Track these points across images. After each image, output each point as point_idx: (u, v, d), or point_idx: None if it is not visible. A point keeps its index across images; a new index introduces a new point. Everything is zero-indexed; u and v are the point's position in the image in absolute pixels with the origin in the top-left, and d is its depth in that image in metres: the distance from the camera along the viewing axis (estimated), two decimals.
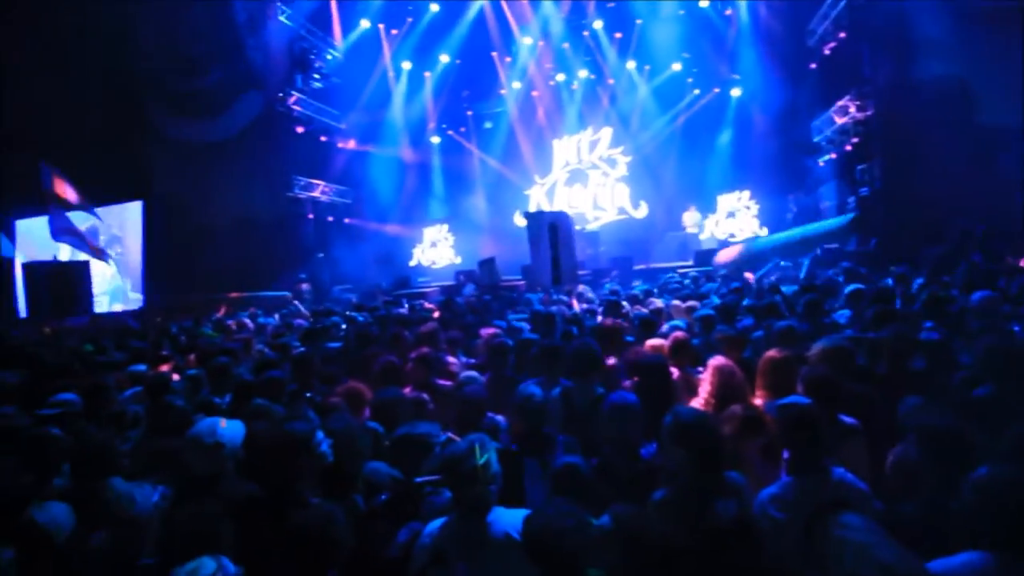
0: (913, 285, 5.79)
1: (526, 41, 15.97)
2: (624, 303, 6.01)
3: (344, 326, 6.43)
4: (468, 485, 1.86)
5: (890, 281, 6.05)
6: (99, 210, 12.34)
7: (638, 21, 15.15)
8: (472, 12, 15.43)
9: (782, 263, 9.63)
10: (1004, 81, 9.68)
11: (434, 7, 15.33)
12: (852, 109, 11.49)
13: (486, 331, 4.92)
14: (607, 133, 16.81)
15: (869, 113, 11.13)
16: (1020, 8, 9.26)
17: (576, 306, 6.72)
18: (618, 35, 15.61)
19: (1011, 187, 9.28)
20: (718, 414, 2.63)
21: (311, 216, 15.24)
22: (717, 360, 3.10)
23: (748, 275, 8.38)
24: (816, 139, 13.52)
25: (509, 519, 1.89)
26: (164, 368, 4.62)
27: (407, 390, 3.43)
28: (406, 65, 16.60)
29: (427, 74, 16.91)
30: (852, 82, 11.54)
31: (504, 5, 15.28)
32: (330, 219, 16.26)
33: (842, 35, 11.93)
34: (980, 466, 1.65)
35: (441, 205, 18.31)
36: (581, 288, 8.49)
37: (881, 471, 2.20)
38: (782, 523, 1.95)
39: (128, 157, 14.27)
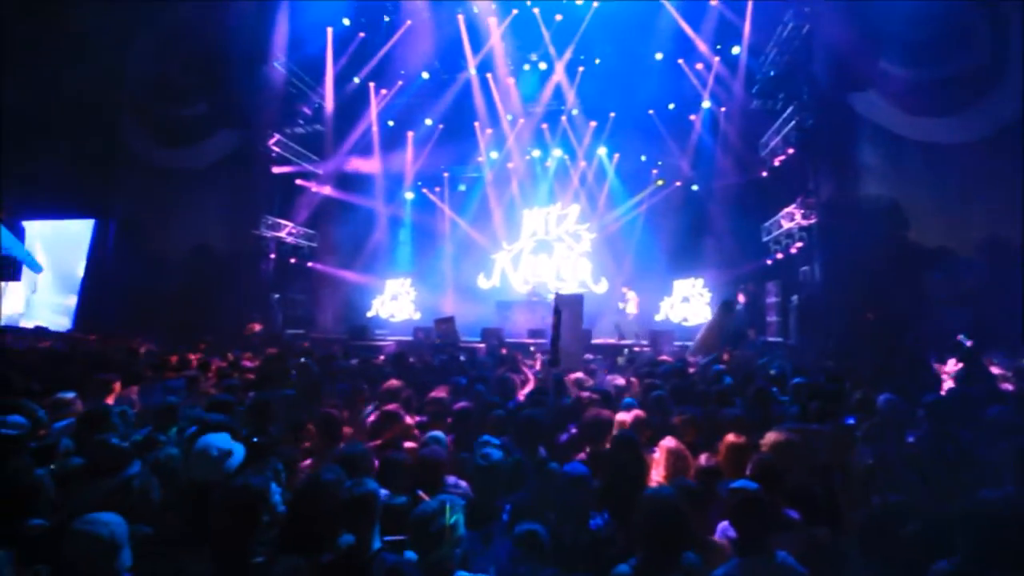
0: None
1: (508, 117, 16.96)
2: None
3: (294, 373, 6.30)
4: (435, 545, 1.86)
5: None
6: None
7: (612, 114, 16.40)
8: (460, 84, 16.39)
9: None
10: (932, 207, 10.94)
11: (424, 75, 16.23)
12: (797, 216, 12.56)
13: (437, 392, 4.87)
14: (575, 210, 17.65)
15: (812, 222, 12.18)
16: (952, 145, 10.61)
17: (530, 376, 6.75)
18: (593, 124, 16.78)
19: (934, 304, 10.18)
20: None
21: (272, 256, 15.02)
22: (668, 442, 3.26)
23: (692, 358, 8.72)
24: (764, 240, 14.63)
25: None
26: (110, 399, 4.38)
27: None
28: (390, 123, 17.25)
29: (410, 134, 17.57)
30: (798, 192, 12.67)
31: (492, 84, 16.31)
32: (292, 261, 16.04)
33: (791, 151, 13.22)
34: None
35: (407, 259, 18.42)
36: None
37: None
38: None
39: (89, 173, 13.86)
